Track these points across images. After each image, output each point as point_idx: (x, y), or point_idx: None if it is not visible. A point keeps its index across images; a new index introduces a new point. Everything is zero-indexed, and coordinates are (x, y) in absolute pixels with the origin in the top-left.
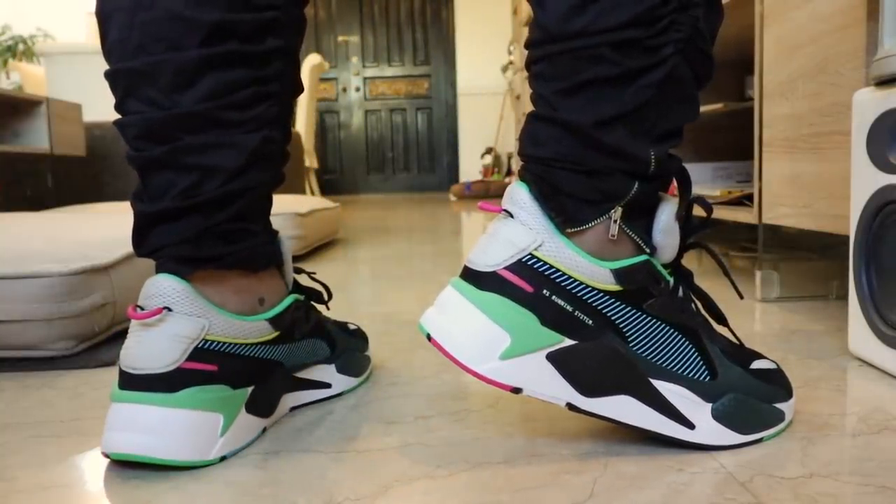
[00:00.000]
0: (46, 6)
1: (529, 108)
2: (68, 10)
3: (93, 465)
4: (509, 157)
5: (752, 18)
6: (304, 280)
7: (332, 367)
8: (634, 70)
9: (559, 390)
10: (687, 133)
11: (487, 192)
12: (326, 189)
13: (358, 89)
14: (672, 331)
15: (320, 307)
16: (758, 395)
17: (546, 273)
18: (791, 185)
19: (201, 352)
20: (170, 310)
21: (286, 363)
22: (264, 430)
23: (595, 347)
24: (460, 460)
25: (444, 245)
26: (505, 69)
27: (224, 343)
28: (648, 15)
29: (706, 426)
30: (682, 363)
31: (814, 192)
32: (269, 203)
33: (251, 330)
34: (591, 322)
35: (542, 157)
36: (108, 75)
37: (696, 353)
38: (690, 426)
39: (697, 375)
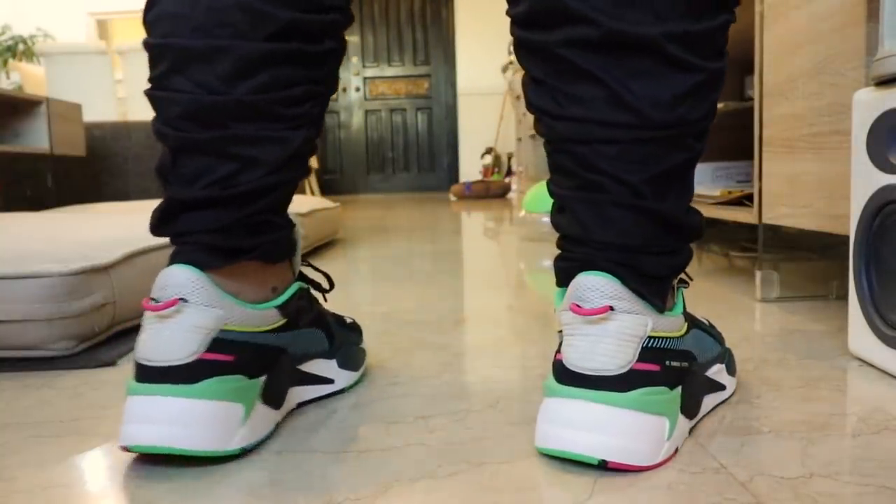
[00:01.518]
0: (46, 6)
1: None
2: (68, 10)
3: (93, 465)
4: (509, 157)
5: (752, 18)
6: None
7: (334, 363)
8: (699, 153)
9: (686, 428)
10: None
11: (487, 192)
12: (326, 189)
13: (358, 89)
14: (698, 331)
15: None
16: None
17: (661, 347)
18: (791, 185)
19: (218, 342)
20: (185, 301)
21: (290, 351)
22: (276, 425)
23: (691, 381)
24: (460, 460)
25: (444, 245)
26: (505, 69)
27: (239, 332)
28: (713, 106)
29: (728, 382)
30: (709, 348)
31: (814, 192)
32: (293, 195)
33: (263, 318)
34: (686, 364)
35: (629, 245)
36: (153, 46)
37: (706, 335)
38: (723, 388)
39: (714, 350)
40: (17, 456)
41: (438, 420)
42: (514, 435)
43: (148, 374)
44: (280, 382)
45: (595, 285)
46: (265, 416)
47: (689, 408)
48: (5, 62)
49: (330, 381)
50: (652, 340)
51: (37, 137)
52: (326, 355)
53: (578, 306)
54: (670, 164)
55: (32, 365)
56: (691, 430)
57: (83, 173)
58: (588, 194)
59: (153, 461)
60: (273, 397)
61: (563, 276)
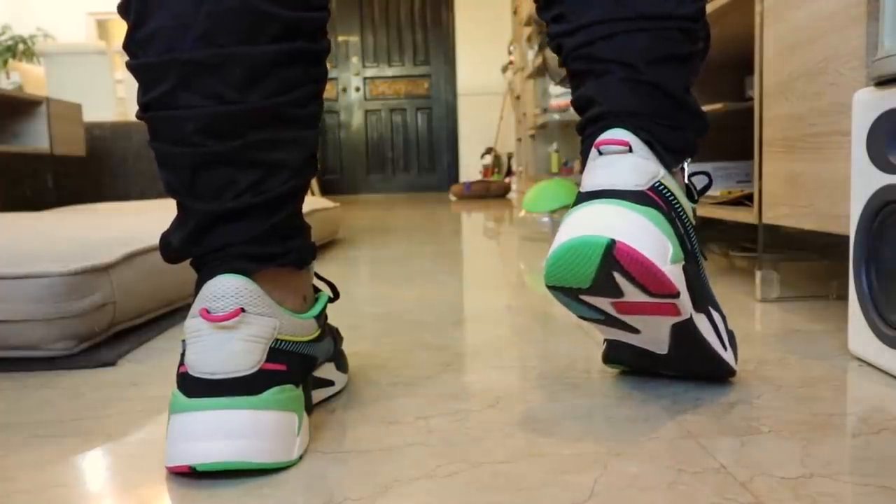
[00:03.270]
0: (46, 6)
1: (530, 108)
2: (68, 10)
3: (93, 465)
4: (509, 157)
5: (752, 18)
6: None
7: (333, 365)
8: (693, 52)
9: (688, 300)
10: None
11: (487, 192)
12: (326, 189)
13: (358, 89)
14: (699, 269)
15: None
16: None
17: (671, 199)
18: (791, 185)
19: (274, 351)
20: (244, 310)
21: (318, 360)
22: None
23: (693, 269)
24: (460, 460)
25: (444, 245)
26: (505, 69)
27: (287, 342)
28: (699, 12)
29: (729, 351)
30: (323, 351)
31: (814, 192)
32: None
33: (305, 328)
34: (690, 247)
35: (643, 113)
36: (152, 66)
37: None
38: (725, 348)
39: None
40: (17, 456)
41: (438, 420)
42: (514, 435)
43: (207, 388)
44: (309, 390)
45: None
46: (307, 425)
47: (308, 405)
48: (5, 62)
49: (331, 384)
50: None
51: (37, 137)
52: (330, 359)
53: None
54: (664, 53)
55: (32, 365)
56: (687, 425)
57: (83, 173)
58: (598, 79)
59: (193, 476)
60: (309, 405)
61: (584, 145)
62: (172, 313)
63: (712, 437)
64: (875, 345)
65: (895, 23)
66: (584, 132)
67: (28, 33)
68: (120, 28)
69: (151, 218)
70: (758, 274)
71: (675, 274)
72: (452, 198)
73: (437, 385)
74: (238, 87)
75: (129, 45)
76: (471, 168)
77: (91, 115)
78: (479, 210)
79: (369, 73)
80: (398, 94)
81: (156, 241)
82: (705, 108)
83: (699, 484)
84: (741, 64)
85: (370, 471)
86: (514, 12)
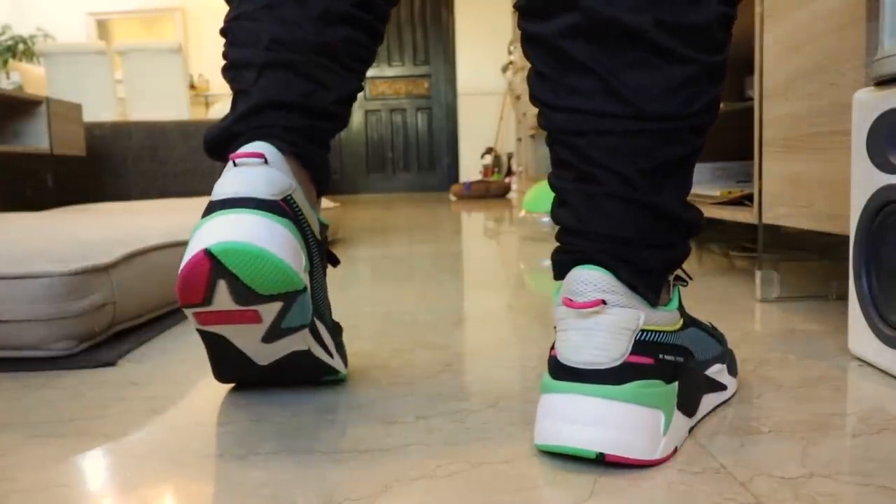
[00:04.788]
0: (46, 6)
1: (530, 108)
2: (68, 10)
3: (93, 465)
4: (509, 157)
5: (752, 18)
6: None
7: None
8: (698, 149)
9: (685, 427)
10: None
11: (487, 192)
12: None
13: None
14: (697, 330)
15: None
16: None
17: (654, 340)
18: (791, 185)
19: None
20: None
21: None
22: (690, 430)
23: (688, 378)
24: (460, 460)
25: (444, 245)
26: (505, 69)
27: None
28: (712, 102)
29: (729, 382)
30: (709, 347)
31: (814, 192)
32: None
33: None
34: (681, 359)
35: (623, 237)
36: None
37: (706, 335)
38: (724, 388)
39: (715, 350)
40: (17, 456)
41: (438, 420)
42: (514, 435)
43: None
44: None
45: (588, 279)
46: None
47: (687, 405)
48: (5, 62)
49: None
50: (645, 333)
51: (37, 137)
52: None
53: (571, 300)
54: (665, 158)
55: (32, 365)
56: (691, 430)
57: (83, 173)
58: (583, 185)
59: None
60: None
61: (560, 269)
62: (172, 313)
63: (712, 437)
64: (875, 345)
65: (895, 23)
66: (561, 245)
67: (28, 33)
68: (120, 28)
69: (152, 218)
70: (758, 274)
71: (671, 436)
72: (452, 198)
73: (437, 385)
74: (314, 20)
75: None
76: (471, 168)
77: (91, 115)
78: (479, 210)
79: (369, 72)
80: (398, 93)
81: (156, 241)
82: None
83: (699, 484)
84: (741, 64)
85: (370, 471)
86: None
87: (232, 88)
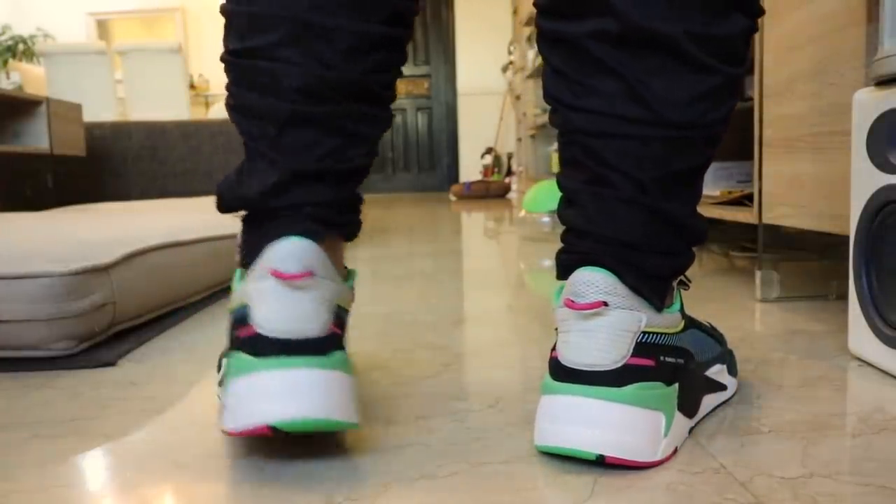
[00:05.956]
0: (46, 6)
1: (530, 108)
2: (68, 10)
3: (93, 465)
4: (509, 157)
5: None
6: None
7: None
8: (709, 160)
9: (686, 428)
10: None
11: (487, 192)
12: None
13: None
14: (697, 331)
15: None
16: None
17: (656, 342)
18: (791, 185)
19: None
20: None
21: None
22: (690, 430)
23: (688, 379)
24: (460, 460)
25: (444, 245)
26: (505, 69)
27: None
28: (728, 114)
29: (729, 383)
30: (709, 348)
31: (814, 192)
32: None
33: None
34: (682, 361)
35: (631, 242)
36: (255, 15)
37: (706, 335)
38: (724, 388)
39: (714, 350)
40: (17, 456)
41: (438, 420)
42: (514, 435)
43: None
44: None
45: (590, 280)
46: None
47: (688, 406)
48: (5, 62)
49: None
50: (646, 336)
51: (37, 137)
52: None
53: (572, 301)
54: (680, 167)
55: (32, 365)
56: (691, 431)
57: (83, 173)
58: (595, 188)
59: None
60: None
61: (564, 270)
62: (172, 313)
63: (712, 437)
64: (875, 345)
65: (895, 23)
66: (565, 245)
67: (28, 33)
68: (120, 28)
69: (152, 218)
70: (758, 274)
71: (671, 438)
72: (452, 198)
73: (437, 385)
74: (345, 55)
75: None
76: (471, 168)
77: (91, 115)
78: (479, 210)
79: None
80: (398, 93)
81: (156, 241)
82: None
83: (699, 484)
84: None
85: (370, 471)
86: (514, 12)
87: (244, 138)
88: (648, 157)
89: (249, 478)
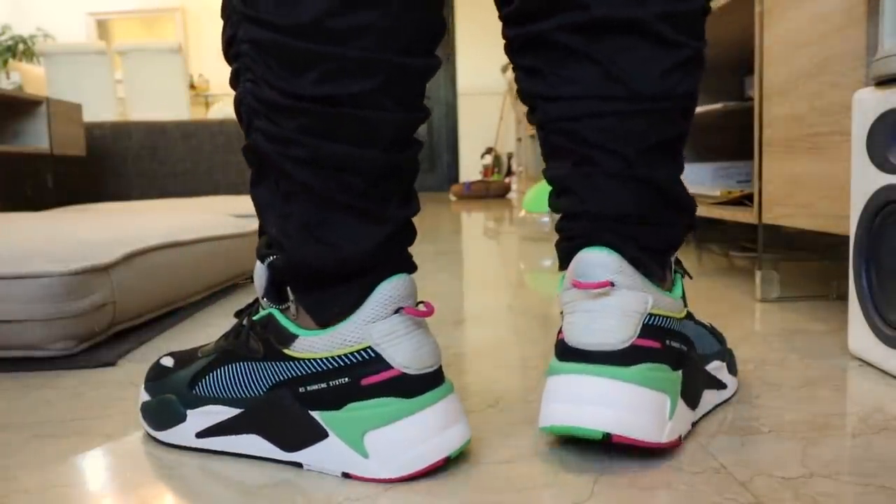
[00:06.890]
0: (46, 6)
1: None
2: (68, 10)
3: (93, 465)
4: (509, 157)
5: (752, 18)
6: None
7: None
8: (685, 132)
9: (689, 418)
10: None
11: (487, 192)
12: None
13: None
14: (697, 326)
15: None
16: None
17: (663, 325)
18: (791, 185)
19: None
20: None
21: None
22: (693, 425)
23: (691, 368)
24: (460, 460)
25: (444, 245)
26: (505, 69)
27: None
28: (697, 85)
29: (729, 381)
30: (708, 344)
31: (814, 192)
32: None
33: (677, 306)
34: (685, 348)
35: (623, 214)
36: (345, 58)
37: (705, 332)
38: (724, 387)
39: (713, 347)
40: (17, 456)
41: None
42: (514, 435)
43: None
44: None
45: (595, 260)
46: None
47: (690, 396)
48: (5, 62)
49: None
50: (653, 318)
51: (37, 137)
52: None
53: (579, 281)
54: (657, 138)
55: (32, 365)
56: (694, 425)
57: (83, 173)
58: (582, 168)
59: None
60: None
61: (565, 256)
62: (172, 313)
63: (712, 437)
64: (875, 345)
65: (895, 23)
66: (563, 232)
67: (28, 33)
68: (120, 28)
69: (152, 218)
70: (758, 274)
71: (676, 422)
72: (452, 198)
73: None
74: (418, 96)
75: (309, 30)
76: (471, 168)
77: (91, 115)
78: (479, 210)
79: None
80: None
81: (156, 241)
82: (705, 108)
83: (699, 484)
84: (741, 64)
85: None
86: None
87: (311, 191)
88: (629, 131)
89: (250, 478)
